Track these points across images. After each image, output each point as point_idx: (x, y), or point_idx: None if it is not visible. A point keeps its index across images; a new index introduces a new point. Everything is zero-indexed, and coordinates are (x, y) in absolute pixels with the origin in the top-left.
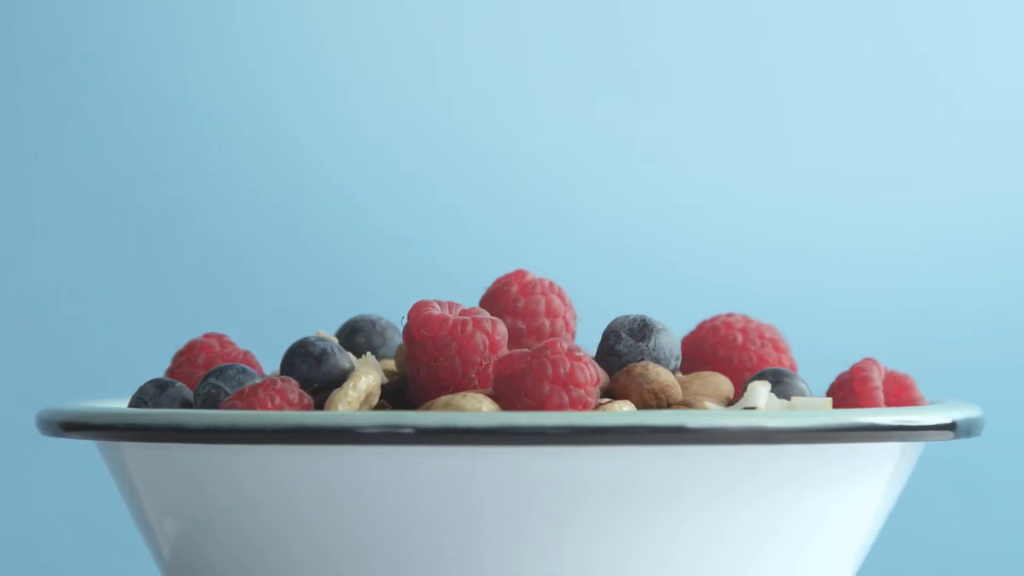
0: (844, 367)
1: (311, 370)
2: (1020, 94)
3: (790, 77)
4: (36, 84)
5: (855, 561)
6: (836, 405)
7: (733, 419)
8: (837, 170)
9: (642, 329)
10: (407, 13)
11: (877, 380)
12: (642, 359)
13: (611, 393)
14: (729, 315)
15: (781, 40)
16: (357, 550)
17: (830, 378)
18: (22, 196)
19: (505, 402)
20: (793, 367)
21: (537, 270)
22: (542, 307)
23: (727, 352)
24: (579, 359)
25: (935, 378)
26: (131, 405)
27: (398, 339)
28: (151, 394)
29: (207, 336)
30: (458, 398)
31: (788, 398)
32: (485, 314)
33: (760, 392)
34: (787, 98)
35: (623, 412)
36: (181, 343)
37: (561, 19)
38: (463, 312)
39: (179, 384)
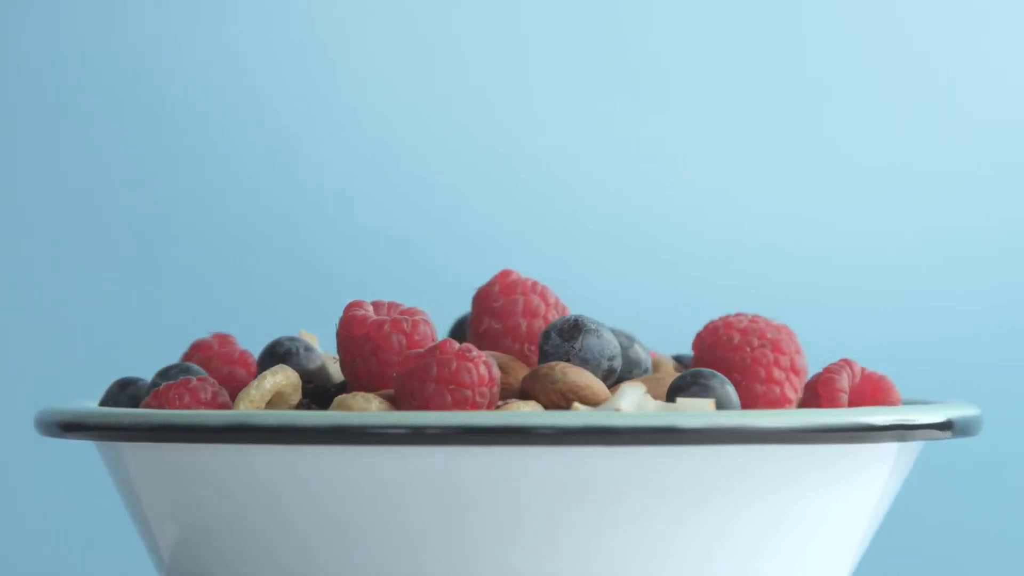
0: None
1: None
2: (1020, 94)
3: (790, 77)
4: (33, 83)
5: (853, 559)
6: (801, 406)
7: (724, 420)
8: (837, 170)
9: (571, 329)
10: (407, 13)
11: (843, 383)
12: (568, 359)
13: (525, 394)
14: (736, 315)
15: (781, 40)
16: (346, 549)
17: None
18: (22, 197)
19: (399, 402)
20: (794, 370)
21: (537, 270)
22: (519, 307)
23: (724, 352)
24: (469, 359)
25: (935, 378)
26: (100, 404)
27: None
28: (113, 392)
29: (214, 336)
30: (348, 398)
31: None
32: (420, 315)
33: (628, 394)
34: (787, 98)
35: (605, 413)
36: (180, 343)
37: (561, 19)
38: (402, 312)
39: (141, 382)
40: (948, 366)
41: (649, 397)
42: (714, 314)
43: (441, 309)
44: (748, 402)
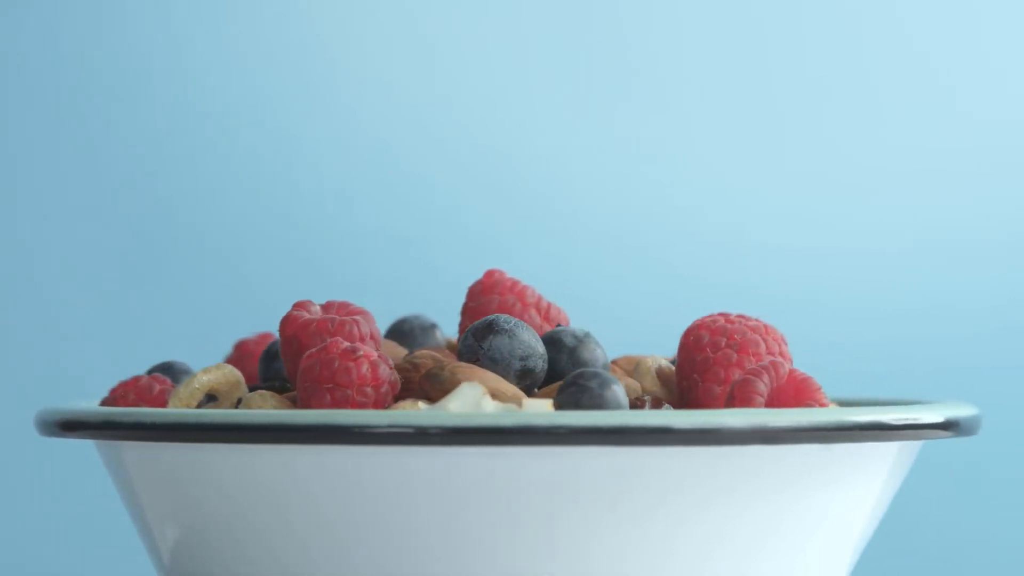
0: (842, 366)
1: (266, 370)
2: (1019, 95)
3: (790, 77)
4: (33, 84)
5: (852, 558)
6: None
7: (724, 420)
8: (837, 170)
9: (483, 330)
10: (407, 13)
11: (759, 387)
12: (477, 360)
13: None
14: (718, 314)
15: (781, 40)
16: (346, 549)
17: (830, 379)
18: (22, 197)
19: (298, 401)
20: (754, 371)
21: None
22: (493, 307)
23: (692, 353)
24: (352, 359)
25: (934, 378)
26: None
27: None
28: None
29: (258, 335)
30: (250, 396)
31: (577, 404)
32: (355, 317)
33: (462, 393)
34: (787, 98)
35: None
36: (179, 342)
37: (561, 20)
38: (349, 312)
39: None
40: (947, 366)
41: (488, 398)
42: (709, 314)
43: (441, 309)
44: (706, 402)
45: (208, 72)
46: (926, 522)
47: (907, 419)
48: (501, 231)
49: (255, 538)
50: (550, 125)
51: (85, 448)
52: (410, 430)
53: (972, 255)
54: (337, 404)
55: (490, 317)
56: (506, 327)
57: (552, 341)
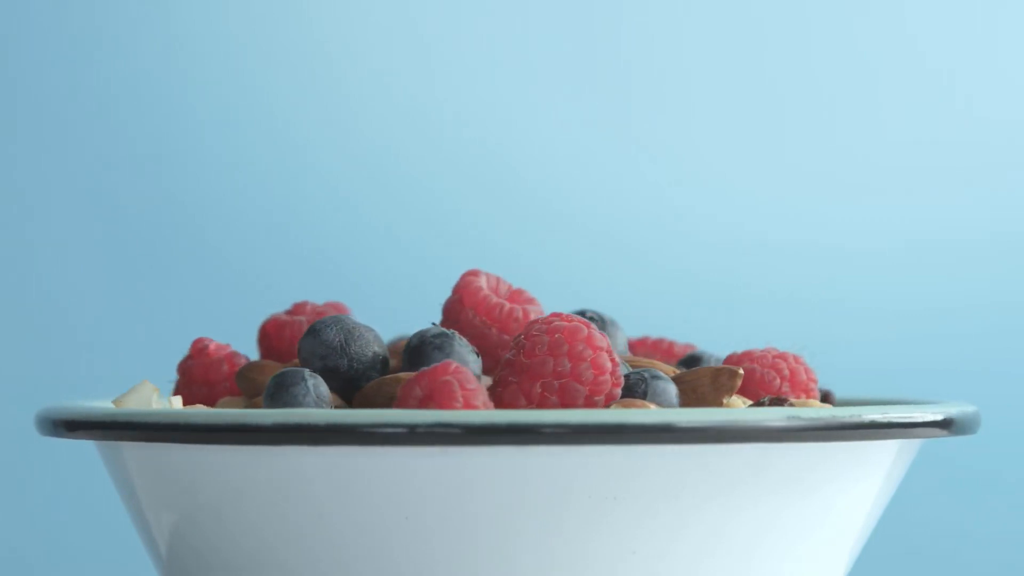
0: (842, 366)
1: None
2: (1022, 93)
3: (791, 77)
4: (32, 83)
5: (850, 557)
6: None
7: (724, 418)
8: (837, 170)
9: (304, 332)
10: (405, 12)
11: (456, 392)
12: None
13: None
14: (552, 314)
15: (782, 40)
16: (345, 549)
17: (830, 378)
18: (21, 197)
19: None
20: (539, 374)
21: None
22: (445, 309)
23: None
24: (199, 357)
25: (933, 378)
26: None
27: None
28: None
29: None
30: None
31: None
32: (299, 318)
33: (136, 392)
34: (788, 98)
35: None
36: (179, 343)
37: (560, 19)
38: (315, 314)
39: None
40: (947, 366)
41: (155, 397)
42: (710, 313)
43: (439, 310)
44: (498, 404)
45: (207, 72)
46: (926, 522)
47: (905, 418)
48: (501, 231)
49: (255, 538)
50: (550, 125)
51: (85, 448)
52: (403, 430)
53: (973, 255)
54: (186, 400)
55: (321, 319)
56: (317, 328)
57: (409, 342)
